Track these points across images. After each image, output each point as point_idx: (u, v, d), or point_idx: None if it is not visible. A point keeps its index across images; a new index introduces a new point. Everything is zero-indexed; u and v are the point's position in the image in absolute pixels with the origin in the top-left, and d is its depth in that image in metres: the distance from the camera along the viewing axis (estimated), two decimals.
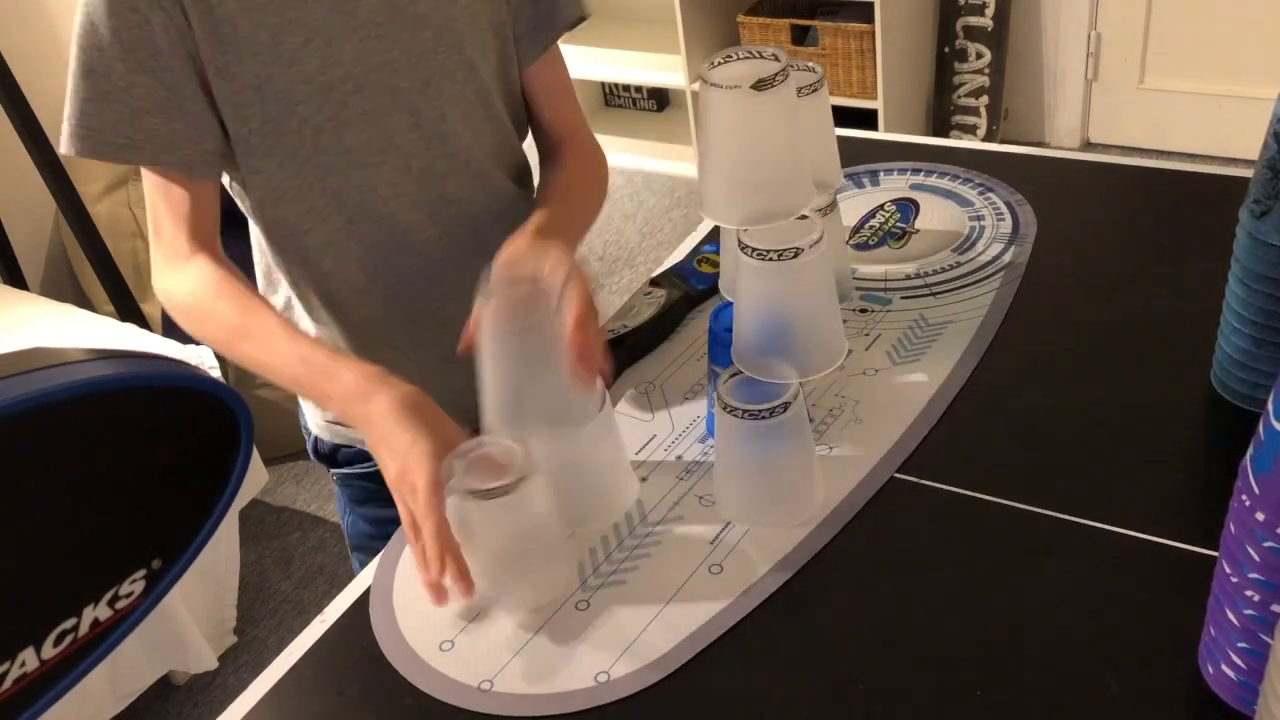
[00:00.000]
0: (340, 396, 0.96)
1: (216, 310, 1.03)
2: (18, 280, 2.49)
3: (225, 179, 1.09)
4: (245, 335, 1.02)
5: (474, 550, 0.91)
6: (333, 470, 1.27)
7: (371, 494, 1.23)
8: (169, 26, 0.96)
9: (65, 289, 2.77)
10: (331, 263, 1.10)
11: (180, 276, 1.04)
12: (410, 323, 1.15)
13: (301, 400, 1.25)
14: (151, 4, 0.95)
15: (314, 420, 1.25)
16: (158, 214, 1.05)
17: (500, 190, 1.17)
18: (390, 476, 0.92)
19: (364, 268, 1.11)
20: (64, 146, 1.01)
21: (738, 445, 0.95)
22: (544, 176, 1.19)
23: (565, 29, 1.16)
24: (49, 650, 0.75)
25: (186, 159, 1.01)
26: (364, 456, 1.22)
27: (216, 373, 2.06)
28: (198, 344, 2.09)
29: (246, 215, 1.12)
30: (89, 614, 0.78)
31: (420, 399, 0.94)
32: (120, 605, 0.80)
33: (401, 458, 0.90)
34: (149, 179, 1.05)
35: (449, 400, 0.95)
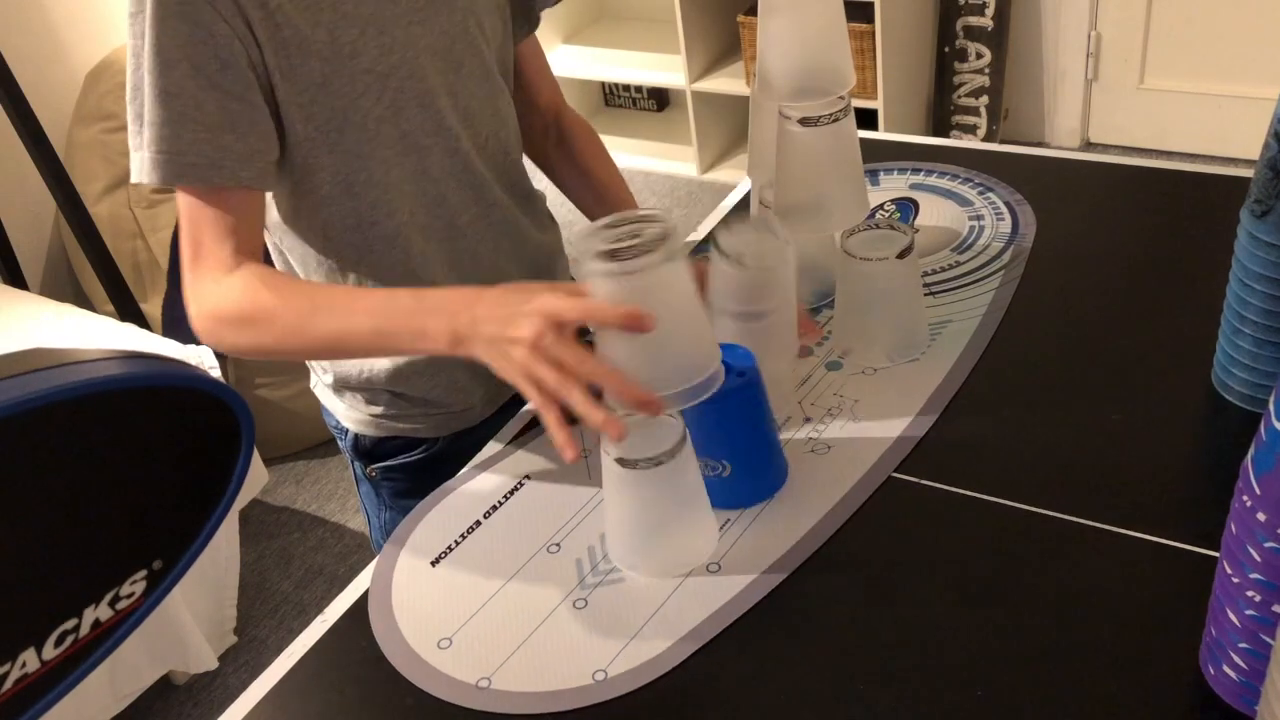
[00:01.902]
0: (441, 313, 0.92)
1: (279, 301, 1.00)
2: (18, 280, 2.49)
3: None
4: (315, 311, 0.99)
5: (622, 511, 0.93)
6: (373, 466, 1.26)
7: (415, 486, 1.21)
8: (232, 37, 0.96)
9: (65, 289, 2.77)
10: (397, 254, 1.11)
11: (226, 287, 1.01)
12: None
13: (337, 398, 1.23)
14: (214, 16, 0.95)
15: (352, 416, 1.24)
16: (199, 231, 1.02)
17: (516, 167, 1.21)
18: (527, 334, 0.86)
19: (423, 256, 1.13)
20: (142, 176, 0.98)
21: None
22: (585, 164, 1.27)
23: (552, 2, 1.21)
24: (50, 651, 0.75)
25: (260, 172, 1.01)
26: (411, 446, 1.23)
27: (216, 373, 2.06)
28: (198, 344, 2.09)
29: (284, 228, 1.12)
30: (90, 614, 0.78)
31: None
32: (121, 606, 0.80)
33: (532, 300, 0.87)
34: (192, 198, 1.01)
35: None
